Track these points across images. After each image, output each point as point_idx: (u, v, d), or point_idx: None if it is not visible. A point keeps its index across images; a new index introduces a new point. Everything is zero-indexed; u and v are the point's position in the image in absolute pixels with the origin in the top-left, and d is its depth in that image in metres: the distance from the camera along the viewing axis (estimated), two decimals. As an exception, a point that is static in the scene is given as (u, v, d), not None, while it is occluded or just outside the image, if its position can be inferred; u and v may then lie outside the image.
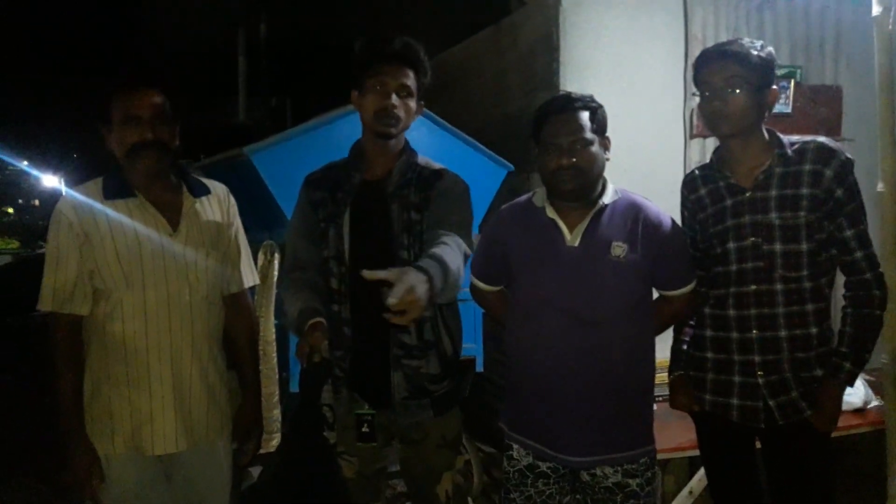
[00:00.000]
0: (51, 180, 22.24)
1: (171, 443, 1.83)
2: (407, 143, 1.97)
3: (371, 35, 1.95)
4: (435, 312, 1.91)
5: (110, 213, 1.82)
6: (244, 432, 2.03)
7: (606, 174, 1.89)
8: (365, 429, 1.84)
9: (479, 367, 3.33)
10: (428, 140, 3.12)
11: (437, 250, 1.64)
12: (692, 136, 3.49)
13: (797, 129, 3.35)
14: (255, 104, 6.60)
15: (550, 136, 1.81)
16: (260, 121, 6.32)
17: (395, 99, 1.83)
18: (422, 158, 1.98)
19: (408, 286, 1.43)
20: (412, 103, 1.89)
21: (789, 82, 3.56)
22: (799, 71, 3.63)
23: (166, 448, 1.83)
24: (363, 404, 1.86)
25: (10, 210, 24.17)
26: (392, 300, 1.40)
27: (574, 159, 1.78)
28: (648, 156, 3.45)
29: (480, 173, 3.27)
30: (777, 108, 3.54)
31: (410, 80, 1.86)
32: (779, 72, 3.50)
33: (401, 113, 1.85)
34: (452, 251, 1.69)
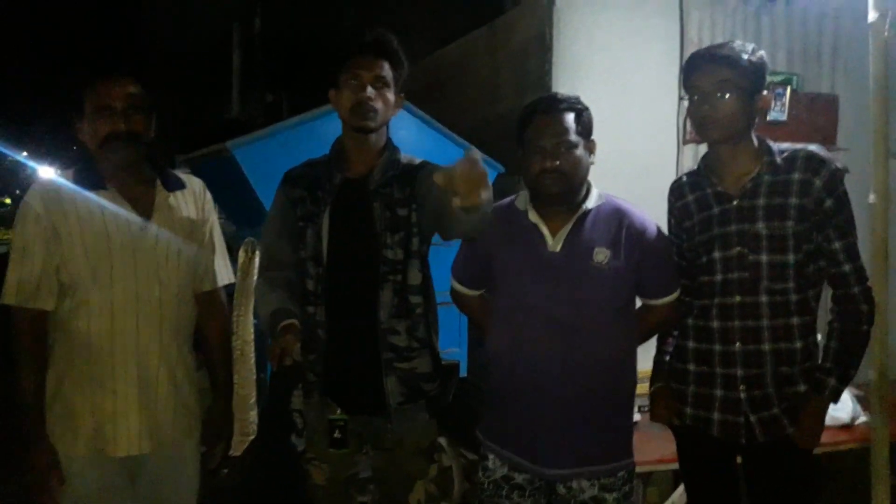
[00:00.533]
0: (47, 171, 22.23)
1: (135, 444, 1.78)
2: (389, 139, 1.93)
3: (346, 31, 1.91)
4: (427, 310, 1.87)
5: (80, 205, 1.76)
6: (213, 434, 1.97)
7: (595, 178, 1.85)
8: (337, 434, 1.79)
9: (463, 372, 3.29)
10: (416, 139, 3.09)
11: None
12: (685, 142, 3.45)
13: (792, 136, 3.31)
14: (250, 100, 6.55)
15: (534, 137, 1.77)
16: (254, 116, 6.27)
17: (370, 91, 1.78)
18: (404, 156, 1.93)
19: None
20: (390, 95, 1.83)
21: (785, 89, 3.52)
22: (795, 78, 3.58)
23: (129, 450, 1.77)
24: (335, 409, 1.81)
25: (8, 200, 24.12)
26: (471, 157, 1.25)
27: (558, 162, 1.73)
28: (640, 160, 3.40)
29: (470, 174, 3.22)
30: (772, 116, 3.57)
31: (385, 72, 1.81)
32: (775, 78, 3.54)
33: (378, 105, 1.79)
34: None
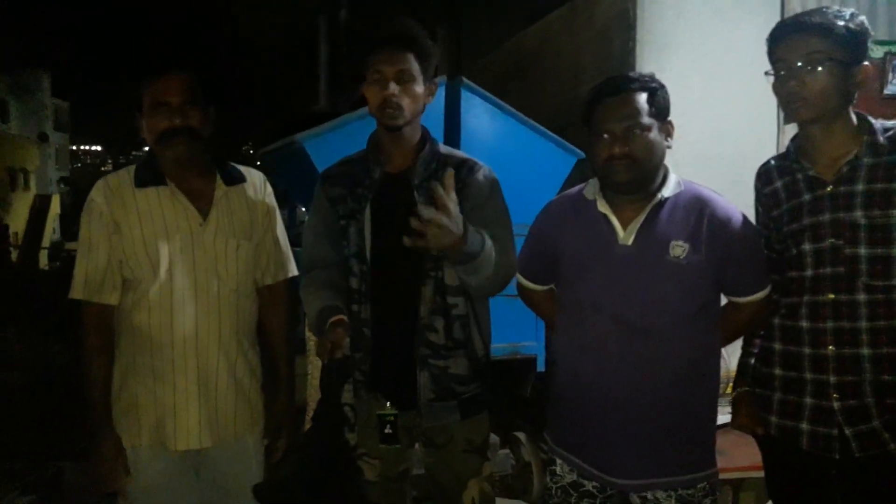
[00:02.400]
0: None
1: (195, 438, 1.79)
2: (426, 131, 1.86)
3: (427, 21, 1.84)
4: (467, 310, 1.80)
5: (140, 201, 1.79)
6: (275, 428, 1.96)
7: (687, 163, 1.71)
8: (388, 430, 1.76)
9: (541, 366, 3.18)
10: (490, 126, 3.00)
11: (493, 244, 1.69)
12: (786, 122, 3.19)
13: (912, 112, 3.00)
14: (337, 92, 6.63)
15: (602, 121, 1.64)
16: (341, 109, 6.33)
17: (393, 87, 1.70)
18: (444, 147, 1.87)
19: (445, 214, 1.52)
20: (417, 87, 1.74)
21: (905, 59, 3.19)
22: (917, 47, 3.24)
23: (189, 444, 1.79)
24: (385, 405, 1.77)
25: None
26: (424, 212, 1.51)
27: (628, 147, 1.60)
28: (736, 143, 3.21)
29: (547, 161, 3.12)
30: (891, 90, 3.23)
31: (409, 64, 1.72)
32: (895, 48, 3.20)
33: (403, 101, 1.72)
34: (504, 254, 1.72)
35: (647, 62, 3.08)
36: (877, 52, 3.21)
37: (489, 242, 1.67)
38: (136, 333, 1.78)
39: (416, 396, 1.78)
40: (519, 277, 1.93)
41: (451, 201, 1.55)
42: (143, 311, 1.77)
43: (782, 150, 3.17)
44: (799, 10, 3.09)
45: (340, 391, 1.65)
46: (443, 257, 1.74)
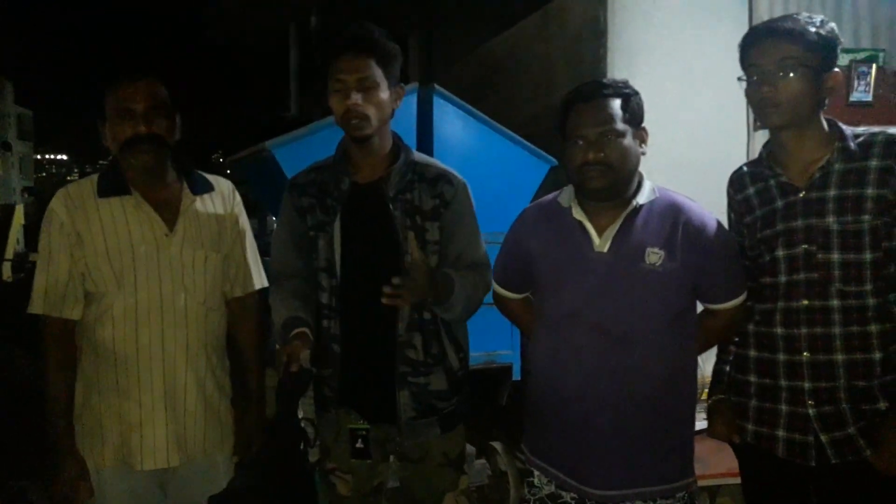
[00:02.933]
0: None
1: (162, 457, 1.73)
2: (399, 139, 1.82)
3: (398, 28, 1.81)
4: (438, 326, 1.76)
5: (103, 211, 1.73)
6: (245, 445, 1.91)
7: (658, 169, 1.70)
8: (359, 444, 1.71)
9: (517, 375, 3.16)
10: (463, 134, 2.99)
11: (465, 280, 1.74)
12: (756, 128, 3.22)
13: (879, 119, 3.06)
14: (308, 99, 6.57)
15: (576, 127, 1.62)
16: (312, 115, 6.27)
17: (356, 97, 1.66)
18: (418, 155, 1.82)
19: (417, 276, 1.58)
20: (381, 94, 1.69)
21: (870, 67, 3.25)
22: (882, 54, 3.31)
23: (156, 462, 1.73)
24: (357, 418, 1.72)
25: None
26: (395, 280, 1.55)
27: (602, 154, 1.58)
28: (707, 149, 3.22)
29: (520, 168, 3.12)
30: (856, 96, 3.29)
31: (370, 70, 1.67)
32: (859, 56, 3.25)
33: (367, 110, 1.67)
34: (475, 287, 1.76)
35: (619, 69, 3.08)
36: (842, 59, 3.25)
37: (458, 283, 1.69)
38: (100, 349, 1.72)
39: (396, 414, 1.73)
40: (495, 286, 1.90)
41: (421, 263, 1.60)
42: (106, 325, 1.71)
43: (753, 156, 3.23)
44: (766, 15, 3.12)
45: (296, 405, 1.60)
46: None
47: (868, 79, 3.24)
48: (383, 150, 1.77)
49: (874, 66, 3.26)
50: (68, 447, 1.72)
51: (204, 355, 1.80)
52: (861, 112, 3.10)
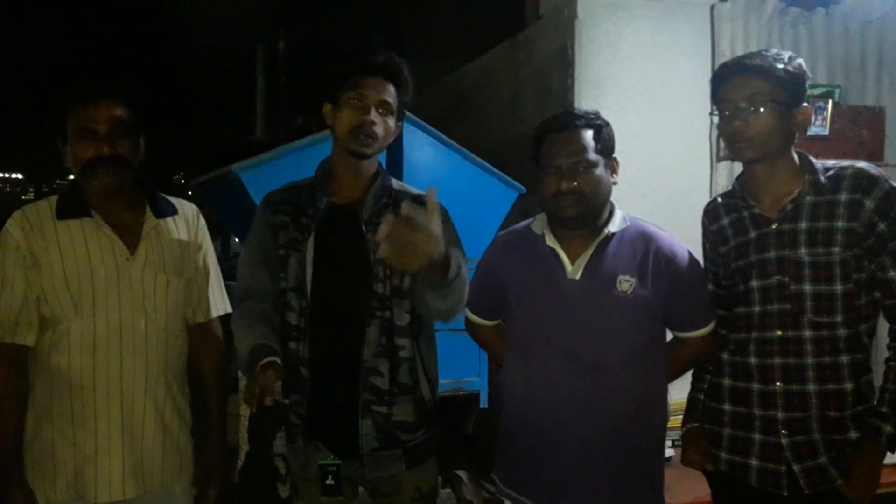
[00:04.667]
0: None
1: (118, 489, 1.65)
2: (380, 164, 1.81)
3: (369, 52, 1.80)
4: (414, 352, 1.72)
5: (61, 234, 1.66)
6: (206, 476, 1.84)
7: (624, 199, 1.70)
8: (329, 481, 1.64)
9: (484, 402, 3.14)
10: (433, 160, 2.99)
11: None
12: (719, 159, 3.29)
13: (835, 153, 3.16)
14: (275, 122, 6.52)
15: (549, 157, 1.63)
16: (278, 138, 6.23)
17: (374, 115, 1.66)
18: (396, 182, 1.82)
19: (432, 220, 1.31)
20: (391, 122, 1.71)
21: (827, 103, 3.37)
22: (837, 91, 3.42)
23: (112, 495, 1.65)
24: (327, 454, 1.66)
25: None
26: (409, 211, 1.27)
27: (575, 183, 1.59)
28: (671, 180, 3.28)
29: (489, 195, 3.13)
30: (813, 131, 3.39)
31: (392, 97, 1.69)
32: (816, 91, 3.36)
33: (380, 130, 1.67)
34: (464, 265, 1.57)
35: (585, 99, 3.12)
36: (800, 94, 3.36)
37: (464, 266, 1.56)
38: (54, 376, 1.65)
39: (359, 444, 1.68)
40: (467, 312, 1.88)
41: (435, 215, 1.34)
42: (62, 351, 1.64)
43: (715, 186, 3.29)
44: (728, 52, 3.21)
45: (272, 441, 1.53)
46: (394, 295, 1.68)
47: (825, 113, 3.35)
48: (368, 172, 1.76)
49: (830, 101, 3.37)
50: (17, 479, 1.63)
51: (164, 382, 1.74)
52: (818, 145, 3.19)
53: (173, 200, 1.86)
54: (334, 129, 1.72)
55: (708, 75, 3.17)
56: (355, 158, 1.70)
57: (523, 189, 3.23)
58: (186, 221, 1.84)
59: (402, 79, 1.72)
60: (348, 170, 1.73)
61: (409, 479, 1.74)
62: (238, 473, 1.54)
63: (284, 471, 1.58)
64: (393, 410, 1.68)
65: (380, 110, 1.67)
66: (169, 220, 1.80)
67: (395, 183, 1.80)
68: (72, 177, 1.76)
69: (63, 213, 1.69)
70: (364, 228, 1.70)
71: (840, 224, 1.56)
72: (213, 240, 1.97)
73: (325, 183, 1.75)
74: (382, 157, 2.88)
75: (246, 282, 1.75)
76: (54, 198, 1.73)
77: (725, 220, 1.74)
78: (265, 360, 1.51)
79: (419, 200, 1.72)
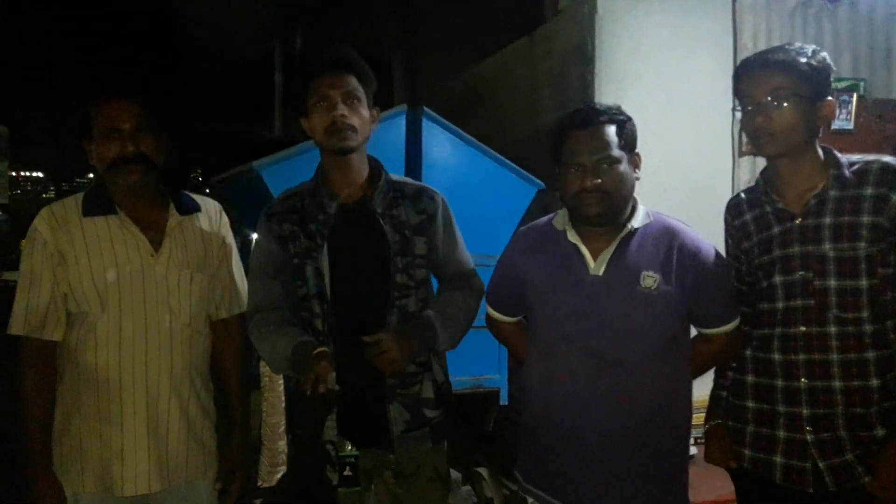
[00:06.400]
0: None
1: (144, 483, 1.67)
2: (374, 159, 1.83)
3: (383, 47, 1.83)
4: None
5: (88, 231, 1.68)
6: (228, 471, 1.85)
7: (644, 195, 1.70)
8: (347, 472, 1.67)
9: (504, 400, 3.13)
10: (452, 156, 2.97)
11: (450, 309, 1.78)
12: (741, 154, 3.26)
13: (860, 147, 3.09)
14: (293, 118, 6.54)
15: (572, 154, 1.62)
16: (297, 135, 6.24)
17: (342, 108, 1.67)
18: (393, 175, 1.85)
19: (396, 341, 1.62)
20: (363, 111, 1.72)
21: (851, 96, 3.32)
22: (862, 84, 3.37)
23: (137, 489, 1.67)
24: (345, 446, 1.69)
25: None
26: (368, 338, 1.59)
27: (599, 180, 1.58)
28: (692, 175, 3.25)
29: (508, 191, 3.11)
30: (837, 124, 3.34)
31: (354, 86, 1.71)
32: (840, 84, 3.31)
33: (354, 121, 1.69)
34: (466, 307, 1.82)
35: (605, 94, 3.10)
36: (824, 88, 3.32)
37: (439, 322, 1.74)
38: (82, 372, 1.67)
39: (388, 432, 1.71)
40: (488, 309, 1.89)
41: (383, 338, 1.63)
42: (89, 347, 1.66)
43: (737, 181, 3.26)
44: (750, 45, 3.18)
45: (322, 428, 1.58)
46: (407, 285, 1.74)
47: (850, 107, 3.31)
48: (363, 170, 1.78)
49: (855, 94, 3.33)
50: (46, 473, 1.66)
51: (188, 378, 1.75)
52: (843, 140, 3.15)
53: (196, 198, 1.88)
54: (314, 137, 1.74)
55: (729, 69, 3.14)
56: (342, 155, 1.72)
57: (542, 185, 3.21)
58: (209, 218, 1.86)
59: (359, 67, 1.73)
60: (341, 169, 1.75)
61: (428, 459, 1.79)
62: (287, 459, 1.57)
63: (335, 457, 1.63)
64: (419, 388, 1.75)
65: (347, 102, 1.68)
66: (192, 217, 1.82)
67: (393, 175, 1.83)
68: (91, 175, 1.78)
69: (89, 210, 1.71)
70: (381, 222, 1.73)
71: (865, 219, 1.53)
72: (234, 237, 1.99)
73: (326, 187, 1.77)
74: (401, 154, 2.91)
75: (259, 295, 1.79)
76: (81, 195, 1.76)
77: (748, 216, 1.73)
78: (318, 350, 1.56)
79: (415, 194, 1.79)
